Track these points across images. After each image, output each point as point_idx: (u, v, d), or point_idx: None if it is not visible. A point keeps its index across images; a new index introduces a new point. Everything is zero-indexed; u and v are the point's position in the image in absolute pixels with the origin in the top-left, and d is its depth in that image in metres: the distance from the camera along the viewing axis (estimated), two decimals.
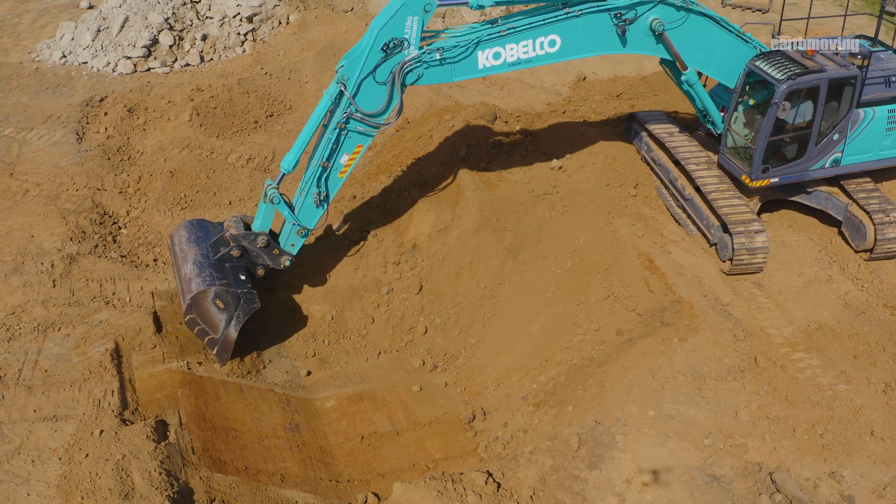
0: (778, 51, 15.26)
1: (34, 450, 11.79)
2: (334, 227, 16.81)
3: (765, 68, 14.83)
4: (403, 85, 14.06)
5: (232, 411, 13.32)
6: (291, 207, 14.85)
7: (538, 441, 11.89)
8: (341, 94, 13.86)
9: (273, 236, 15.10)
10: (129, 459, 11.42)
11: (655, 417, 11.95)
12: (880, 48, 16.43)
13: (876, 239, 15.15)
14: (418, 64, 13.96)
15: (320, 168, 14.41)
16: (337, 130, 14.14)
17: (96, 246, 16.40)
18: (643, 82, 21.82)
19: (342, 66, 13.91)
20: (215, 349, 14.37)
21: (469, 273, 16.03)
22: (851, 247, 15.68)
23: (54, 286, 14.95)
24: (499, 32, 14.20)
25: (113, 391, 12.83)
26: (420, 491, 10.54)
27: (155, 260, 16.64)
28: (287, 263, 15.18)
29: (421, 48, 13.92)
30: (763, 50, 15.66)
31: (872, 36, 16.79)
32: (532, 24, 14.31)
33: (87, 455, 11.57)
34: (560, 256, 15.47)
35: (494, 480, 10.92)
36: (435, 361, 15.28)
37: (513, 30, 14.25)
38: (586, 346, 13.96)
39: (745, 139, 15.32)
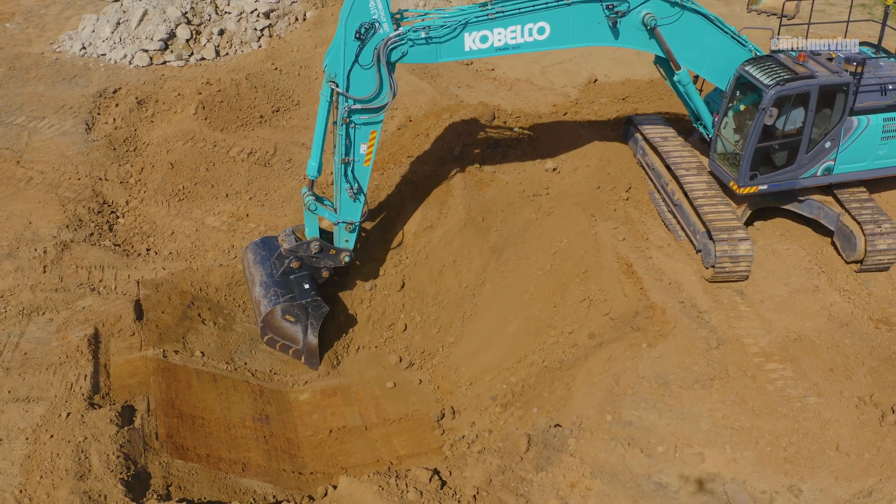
0: (769, 56, 15.00)
1: (3, 429, 12.12)
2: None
3: (754, 73, 14.56)
4: (390, 63, 13.88)
5: (202, 400, 13.53)
6: (334, 207, 15.15)
7: (493, 441, 11.89)
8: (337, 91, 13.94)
9: (327, 237, 15.47)
10: (89, 442, 11.70)
11: (613, 422, 11.85)
12: (883, 55, 16.04)
13: (866, 250, 14.77)
14: (403, 41, 13.80)
15: (343, 164, 14.53)
16: (345, 126, 14.21)
17: (91, 234, 16.79)
18: (650, 86, 21.58)
19: (327, 65, 14.01)
20: (302, 358, 15.05)
21: (452, 272, 16.07)
22: (842, 257, 15.34)
23: (44, 272, 15.35)
24: (487, 15, 14.01)
25: (86, 375, 13.12)
26: (363, 485, 10.61)
27: (148, 250, 16.99)
28: (347, 259, 15.53)
29: (407, 27, 13.89)
30: (759, 54, 15.42)
31: (875, 42, 16.44)
32: (521, 10, 14.09)
33: (51, 436, 11.88)
34: (541, 258, 15.42)
35: (440, 478, 10.94)
36: (412, 359, 15.36)
37: (501, 14, 14.02)
38: (559, 349, 13.91)
39: (734, 145, 15.08)
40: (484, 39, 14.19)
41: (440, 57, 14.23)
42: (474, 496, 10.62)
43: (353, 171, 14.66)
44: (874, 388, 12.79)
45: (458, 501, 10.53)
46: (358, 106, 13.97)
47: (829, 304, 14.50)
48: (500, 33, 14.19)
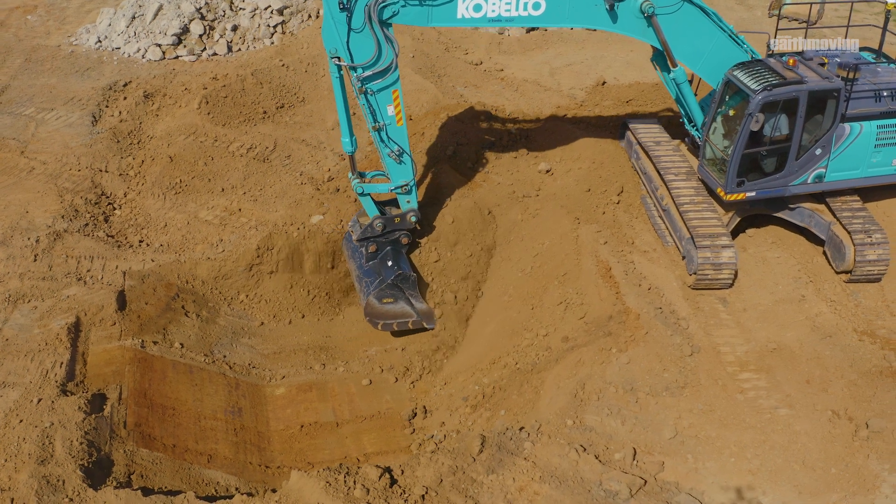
0: (759, 60, 14.76)
1: None
2: (312, 218, 17.03)
3: (742, 78, 14.31)
4: (382, 22, 13.71)
5: (175, 391, 13.69)
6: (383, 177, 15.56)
7: (450, 442, 11.85)
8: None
9: (388, 205, 15.96)
10: (56, 428, 11.90)
11: (573, 427, 11.73)
12: (883, 61, 15.65)
13: (856, 260, 14.44)
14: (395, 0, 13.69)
15: (376, 132, 14.62)
16: (363, 95, 14.25)
17: (86, 224, 17.07)
18: (656, 89, 21.25)
19: (325, 45, 14.02)
20: (423, 325, 15.45)
21: None
22: (832, 267, 15.01)
23: (35, 260, 15.64)
24: None
25: (62, 363, 13.34)
26: (311, 481, 10.64)
27: (141, 241, 17.21)
28: (414, 219, 15.84)
29: None
30: (756, 57, 15.16)
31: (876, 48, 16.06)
32: None
33: (20, 421, 12.11)
34: (523, 259, 15.35)
35: (391, 477, 10.92)
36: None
37: None
38: (532, 352, 13.83)
39: (722, 151, 14.82)
40: (477, 8, 14.03)
41: (431, 21, 14.10)
42: (423, 496, 10.58)
43: (388, 135, 14.72)
44: (850, 402, 12.48)
45: (406, 501, 10.50)
46: (368, 72, 13.96)
47: (815, 314, 14.19)
48: (494, 3, 14.02)
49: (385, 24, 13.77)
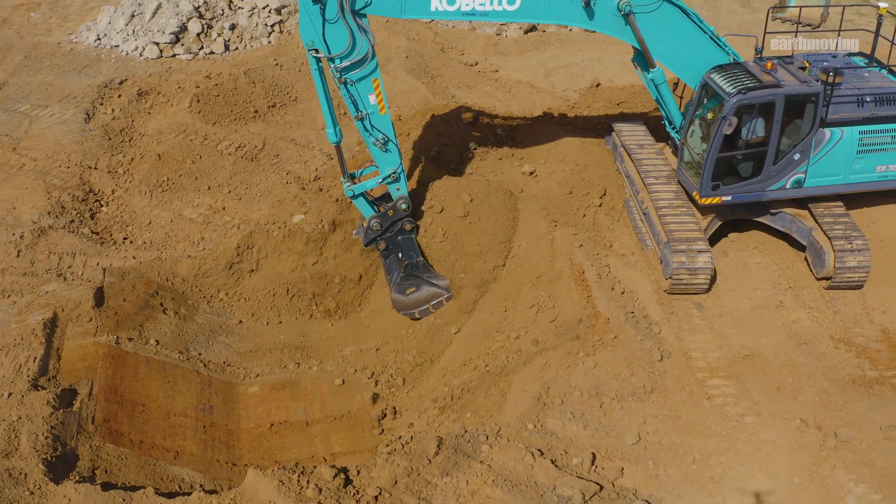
0: (737, 63, 14.64)
1: None
2: (294, 217, 17.07)
3: (718, 81, 14.20)
4: (355, 12, 13.77)
5: (147, 387, 13.77)
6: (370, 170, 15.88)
7: (410, 444, 11.84)
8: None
9: (382, 202, 16.29)
10: (23, 422, 12.01)
11: (533, 431, 11.68)
12: (874, 66, 15.45)
13: (835, 267, 14.26)
14: None
15: (360, 121, 14.75)
16: (343, 86, 14.35)
17: (72, 221, 17.22)
18: (647, 91, 21.11)
19: (302, 39, 14.12)
20: (449, 300, 15.74)
21: None
22: (813, 273, 14.84)
23: (18, 256, 15.79)
24: None
25: (35, 358, 13.45)
26: (265, 479, 10.67)
27: (125, 239, 17.32)
28: (404, 206, 16.03)
29: None
30: (737, 59, 15.02)
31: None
32: None
33: None
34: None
35: (347, 477, 10.93)
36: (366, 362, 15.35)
37: None
38: (503, 354, 13.80)
39: (699, 154, 14.69)
40: (451, 2, 14.04)
41: (405, 13, 14.13)
42: (376, 497, 10.58)
43: (371, 124, 14.83)
44: (820, 411, 12.34)
45: (358, 501, 10.51)
46: (345, 63, 14.04)
47: (792, 321, 14.04)
48: None
49: (358, 14, 13.84)
